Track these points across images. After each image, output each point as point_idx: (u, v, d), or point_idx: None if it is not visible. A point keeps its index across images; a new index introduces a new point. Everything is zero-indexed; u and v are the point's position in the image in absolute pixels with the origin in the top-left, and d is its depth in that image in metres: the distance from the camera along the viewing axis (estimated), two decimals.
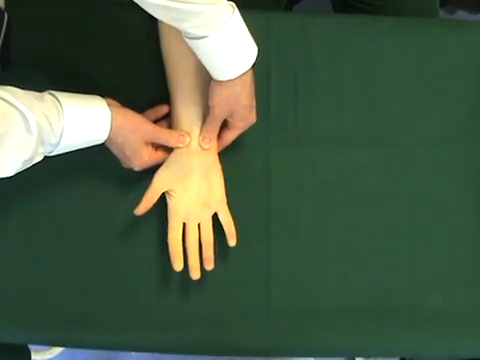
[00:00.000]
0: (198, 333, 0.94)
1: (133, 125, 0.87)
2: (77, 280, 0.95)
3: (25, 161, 0.76)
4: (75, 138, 0.81)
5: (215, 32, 0.79)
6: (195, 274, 0.90)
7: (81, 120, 0.81)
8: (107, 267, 0.96)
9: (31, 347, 1.22)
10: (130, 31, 1.01)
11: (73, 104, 0.80)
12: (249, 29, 0.84)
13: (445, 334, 0.96)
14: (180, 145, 0.92)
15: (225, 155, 0.96)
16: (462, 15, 1.68)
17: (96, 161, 0.94)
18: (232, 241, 0.92)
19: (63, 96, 0.80)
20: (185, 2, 0.75)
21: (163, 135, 0.91)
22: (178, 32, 0.82)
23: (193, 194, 0.92)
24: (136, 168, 0.92)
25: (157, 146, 0.93)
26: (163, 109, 0.96)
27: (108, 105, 0.84)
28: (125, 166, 0.93)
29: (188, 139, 0.92)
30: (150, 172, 0.92)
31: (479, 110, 1.04)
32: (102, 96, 0.86)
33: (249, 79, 0.87)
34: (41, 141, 0.76)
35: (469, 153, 1.03)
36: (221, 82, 0.85)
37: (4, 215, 0.96)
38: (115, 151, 0.89)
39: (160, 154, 0.93)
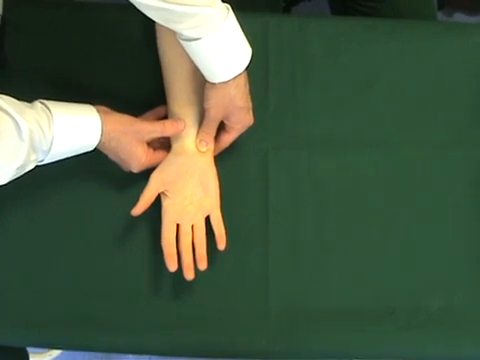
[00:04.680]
0: (197, 336, 0.94)
1: (123, 127, 0.87)
2: (76, 282, 0.95)
3: (18, 168, 0.77)
4: (65, 145, 0.82)
5: (208, 34, 0.79)
6: (189, 274, 0.90)
7: (71, 127, 0.81)
8: (105, 269, 0.96)
9: (30, 349, 1.22)
10: (127, 32, 1.01)
11: (63, 112, 0.81)
12: (247, 32, 0.85)
13: (445, 337, 0.96)
14: (177, 132, 0.92)
15: (223, 158, 0.96)
16: (460, 17, 1.68)
17: (94, 163, 0.93)
18: (221, 245, 0.92)
19: (53, 104, 0.80)
20: (179, 4, 0.76)
21: (157, 128, 0.91)
22: (175, 33, 0.82)
23: (187, 196, 0.92)
24: (135, 170, 0.92)
25: (155, 147, 0.93)
26: (162, 110, 0.96)
27: (98, 111, 0.85)
28: (125, 170, 0.93)
29: (183, 124, 0.91)
30: (147, 174, 0.92)
31: (478, 111, 1.04)
32: (94, 101, 0.86)
33: (243, 81, 0.87)
34: (33, 148, 0.77)
35: (469, 156, 1.02)
36: (215, 84, 0.86)
37: (4, 217, 0.96)
38: (111, 156, 0.90)
39: (158, 155, 0.93)
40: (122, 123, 0.87)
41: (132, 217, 0.91)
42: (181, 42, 0.82)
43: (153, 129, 0.91)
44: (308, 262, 0.97)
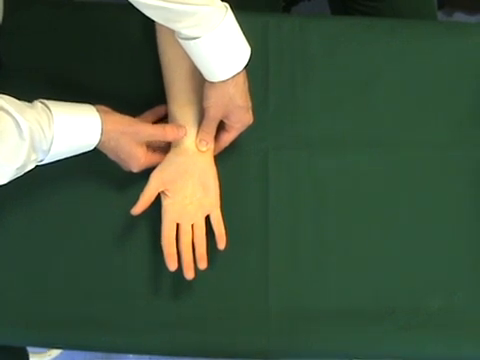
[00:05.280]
0: (196, 335, 0.94)
1: (122, 128, 0.87)
2: (75, 282, 0.95)
3: (18, 168, 0.77)
4: (65, 145, 0.82)
5: (207, 33, 0.79)
6: (189, 274, 0.90)
7: (71, 127, 0.81)
8: (105, 269, 0.96)
9: (30, 349, 1.22)
10: (127, 32, 1.01)
11: (63, 111, 0.81)
12: (247, 32, 0.85)
13: (445, 337, 0.96)
14: (177, 138, 0.92)
15: (223, 157, 0.96)
16: (460, 16, 1.68)
17: (93, 163, 0.93)
18: (221, 244, 0.92)
19: (53, 104, 0.80)
20: (178, 2, 0.76)
21: (157, 132, 0.91)
22: (174, 32, 0.82)
23: (187, 195, 0.92)
24: (134, 170, 0.92)
25: (154, 147, 0.93)
26: (161, 110, 0.96)
27: (97, 111, 0.85)
28: (125, 169, 0.93)
29: (185, 130, 0.91)
30: (146, 173, 0.92)
31: (478, 111, 1.04)
32: (94, 101, 0.86)
33: (242, 80, 0.87)
34: (33, 147, 0.77)
35: (469, 156, 1.02)
36: (214, 83, 0.86)
37: (4, 217, 0.96)
38: (111, 155, 0.90)
39: (157, 155, 0.93)
40: (122, 123, 0.87)
41: (132, 217, 0.91)
42: (180, 41, 0.82)
43: (153, 132, 0.91)
44: (308, 262, 0.97)
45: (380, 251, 0.98)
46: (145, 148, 0.91)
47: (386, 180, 1.00)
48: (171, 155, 0.93)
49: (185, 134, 0.92)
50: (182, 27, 0.79)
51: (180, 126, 0.92)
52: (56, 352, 1.57)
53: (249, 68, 0.87)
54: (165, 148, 0.94)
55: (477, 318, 0.97)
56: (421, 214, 1.00)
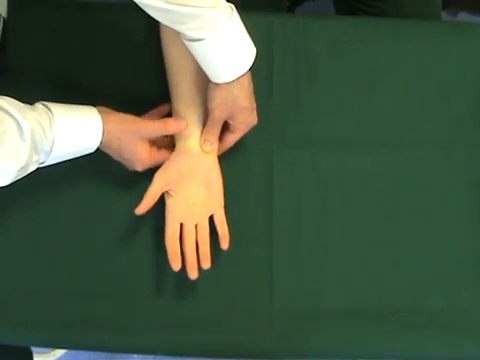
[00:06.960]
0: (199, 335, 0.94)
1: (123, 126, 0.87)
2: (78, 281, 0.95)
3: (20, 169, 0.77)
4: (67, 146, 0.82)
5: (212, 35, 0.79)
6: (193, 274, 0.90)
7: (72, 128, 0.81)
8: (108, 268, 0.96)
9: (34, 349, 1.22)
10: (130, 32, 1.01)
11: (64, 113, 0.81)
12: (251, 32, 0.85)
13: (447, 337, 0.96)
14: (179, 131, 0.92)
15: (227, 157, 0.96)
16: (464, 17, 1.68)
17: (97, 163, 0.93)
18: (225, 244, 0.92)
19: (54, 106, 0.81)
20: (183, 5, 0.76)
21: (158, 127, 0.91)
22: (179, 33, 0.82)
23: (191, 195, 0.92)
24: (139, 169, 0.92)
25: (159, 146, 0.93)
26: (165, 109, 0.96)
27: (98, 112, 0.85)
28: (130, 169, 0.93)
29: (185, 123, 0.91)
30: (150, 173, 0.92)
31: None
32: (95, 101, 0.86)
33: (247, 81, 0.87)
34: (35, 149, 0.77)
35: (471, 155, 1.02)
36: (218, 85, 0.86)
37: (6, 217, 0.96)
38: (115, 156, 0.90)
39: (161, 154, 0.93)
40: (122, 122, 0.88)
41: (135, 216, 0.91)
42: (185, 42, 0.82)
43: (155, 127, 0.91)
44: (311, 262, 0.97)
45: (383, 251, 0.98)
46: (148, 146, 0.91)
47: (389, 180, 1.00)
48: (175, 155, 0.94)
49: (186, 126, 0.92)
50: (187, 29, 0.79)
51: (180, 119, 0.92)
52: (60, 352, 1.57)
53: (253, 69, 0.87)
54: (169, 147, 0.94)
55: (479, 318, 0.97)
56: (424, 214, 1.00)
